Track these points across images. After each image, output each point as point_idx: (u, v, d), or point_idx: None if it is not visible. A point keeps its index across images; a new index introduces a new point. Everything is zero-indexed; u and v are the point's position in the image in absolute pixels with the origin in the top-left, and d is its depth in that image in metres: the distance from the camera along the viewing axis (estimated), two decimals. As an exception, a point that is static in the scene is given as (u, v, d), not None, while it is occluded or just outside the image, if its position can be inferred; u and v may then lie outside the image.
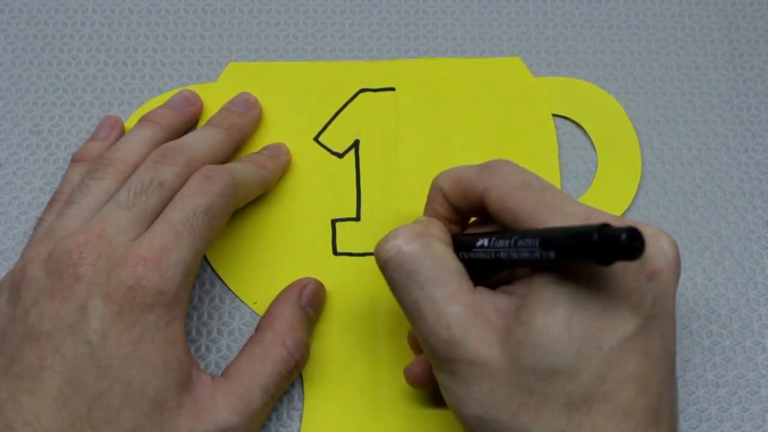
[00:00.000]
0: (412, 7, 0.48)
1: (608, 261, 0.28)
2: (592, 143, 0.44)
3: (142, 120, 0.41)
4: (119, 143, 0.40)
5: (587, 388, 0.30)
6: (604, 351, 0.30)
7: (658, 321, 0.31)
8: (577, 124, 0.45)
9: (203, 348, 0.40)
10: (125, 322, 0.32)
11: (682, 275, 0.41)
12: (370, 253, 0.41)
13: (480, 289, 0.32)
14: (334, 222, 0.42)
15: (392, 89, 0.45)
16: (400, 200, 0.43)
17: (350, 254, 0.42)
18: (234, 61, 0.46)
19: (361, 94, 0.45)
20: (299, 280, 0.40)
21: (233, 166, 0.39)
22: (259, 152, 0.42)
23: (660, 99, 0.45)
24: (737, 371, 0.40)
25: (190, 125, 0.43)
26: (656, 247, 0.31)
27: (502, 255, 0.32)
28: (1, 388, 0.31)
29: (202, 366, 0.39)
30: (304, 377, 0.39)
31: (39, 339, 0.32)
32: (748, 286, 0.41)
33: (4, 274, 0.41)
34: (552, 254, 0.30)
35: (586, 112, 0.45)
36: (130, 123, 0.44)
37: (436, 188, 0.36)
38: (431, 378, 0.35)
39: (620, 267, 0.30)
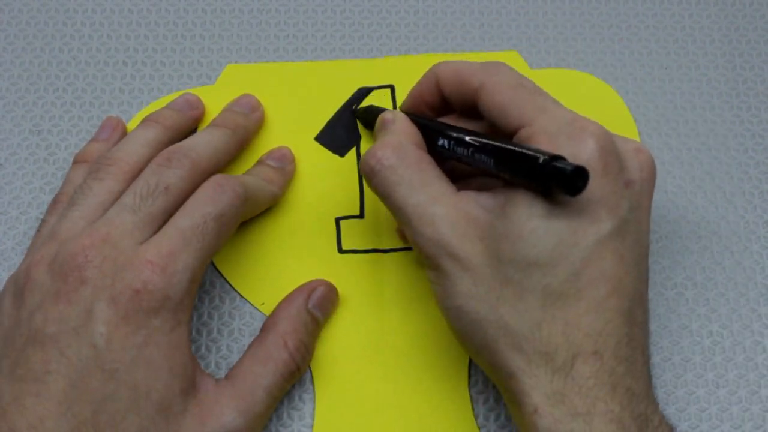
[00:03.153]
0: (411, 7, 0.48)
1: (550, 190, 0.31)
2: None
3: (145, 120, 0.41)
4: (121, 143, 0.40)
5: (562, 282, 0.31)
6: (580, 248, 0.31)
7: (633, 228, 0.32)
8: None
9: (203, 348, 0.40)
10: (130, 326, 0.32)
11: (682, 275, 0.41)
12: (376, 250, 0.41)
13: (463, 191, 0.34)
14: (338, 220, 0.42)
15: (391, 86, 0.45)
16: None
17: (355, 251, 0.41)
18: (234, 61, 0.46)
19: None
20: (309, 282, 0.40)
21: (244, 178, 0.39)
22: (265, 163, 0.42)
23: (660, 99, 0.45)
24: (737, 371, 0.40)
25: (192, 128, 0.43)
26: (634, 161, 0.33)
27: (463, 160, 0.35)
28: (5, 391, 0.31)
29: (202, 366, 0.39)
30: (314, 375, 0.39)
31: (44, 342, 0.32)
32: (748, 286, 0.41)
33: (4, 274, 0.41)
34: (507, 175, 0.32)
35: (583, 102, 0.44)
36: (131, 125, 0.44)
37: (432, 74, 0.38)
38: None
39: (600, 173, 0.31)
